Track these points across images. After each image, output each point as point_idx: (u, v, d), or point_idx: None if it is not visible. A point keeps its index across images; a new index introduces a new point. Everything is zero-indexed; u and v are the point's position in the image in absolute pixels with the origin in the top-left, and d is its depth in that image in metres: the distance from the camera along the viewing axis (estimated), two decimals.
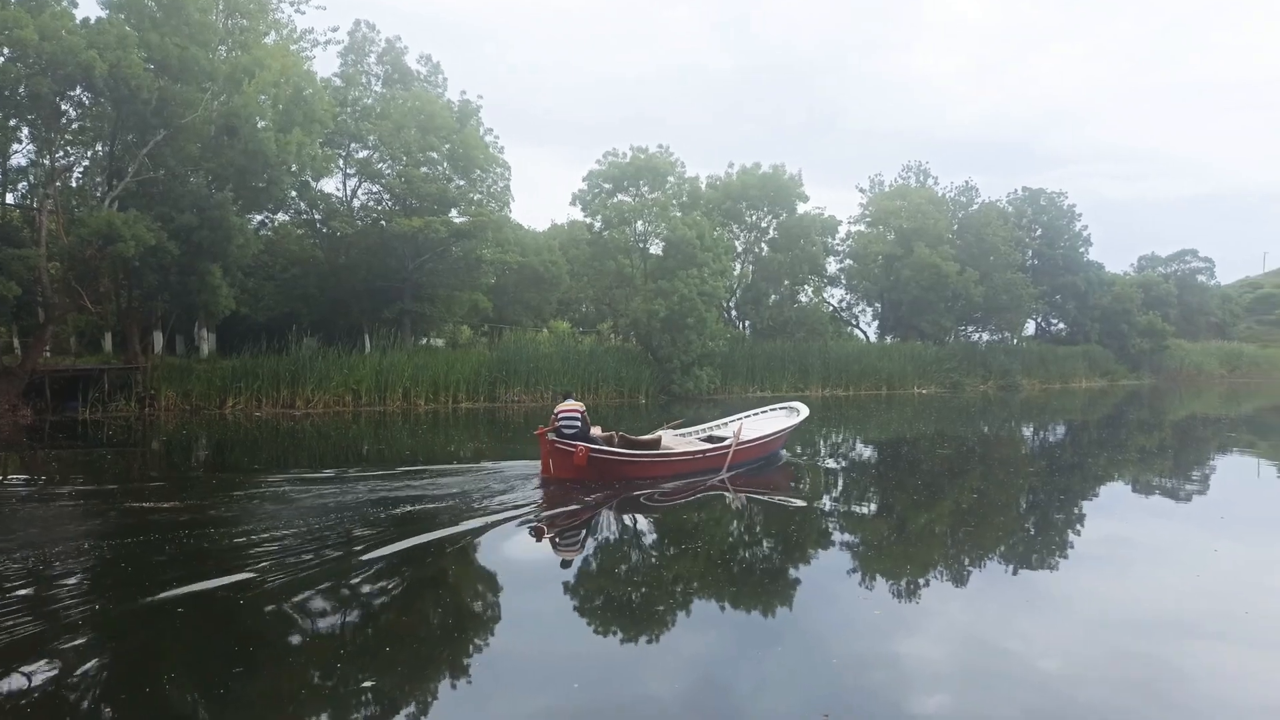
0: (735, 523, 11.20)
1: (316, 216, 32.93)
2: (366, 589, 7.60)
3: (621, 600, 7.77)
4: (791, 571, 8.87)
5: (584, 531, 10.05)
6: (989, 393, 43.74)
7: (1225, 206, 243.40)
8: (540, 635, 6.93)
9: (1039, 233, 57.84)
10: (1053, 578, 8.90)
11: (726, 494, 12.74)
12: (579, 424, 12.90)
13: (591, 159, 35.61)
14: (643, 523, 10.62)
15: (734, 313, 44.67)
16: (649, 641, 6.68)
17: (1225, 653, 6.64)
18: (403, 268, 31.07)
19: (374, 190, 33.07)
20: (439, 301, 33.55)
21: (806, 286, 46.13)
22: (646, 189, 34.25)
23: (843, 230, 47.69)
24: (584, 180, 34.61)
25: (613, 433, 13.85)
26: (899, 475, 16.10)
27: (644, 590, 8.07)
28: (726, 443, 14.27)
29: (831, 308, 49.98)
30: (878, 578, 8.66)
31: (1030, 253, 56.81)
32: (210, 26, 23.94)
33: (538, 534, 9.92)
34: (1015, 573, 9.11)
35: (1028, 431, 26.48)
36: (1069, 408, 36.54)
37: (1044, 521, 12.19)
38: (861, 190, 52.16)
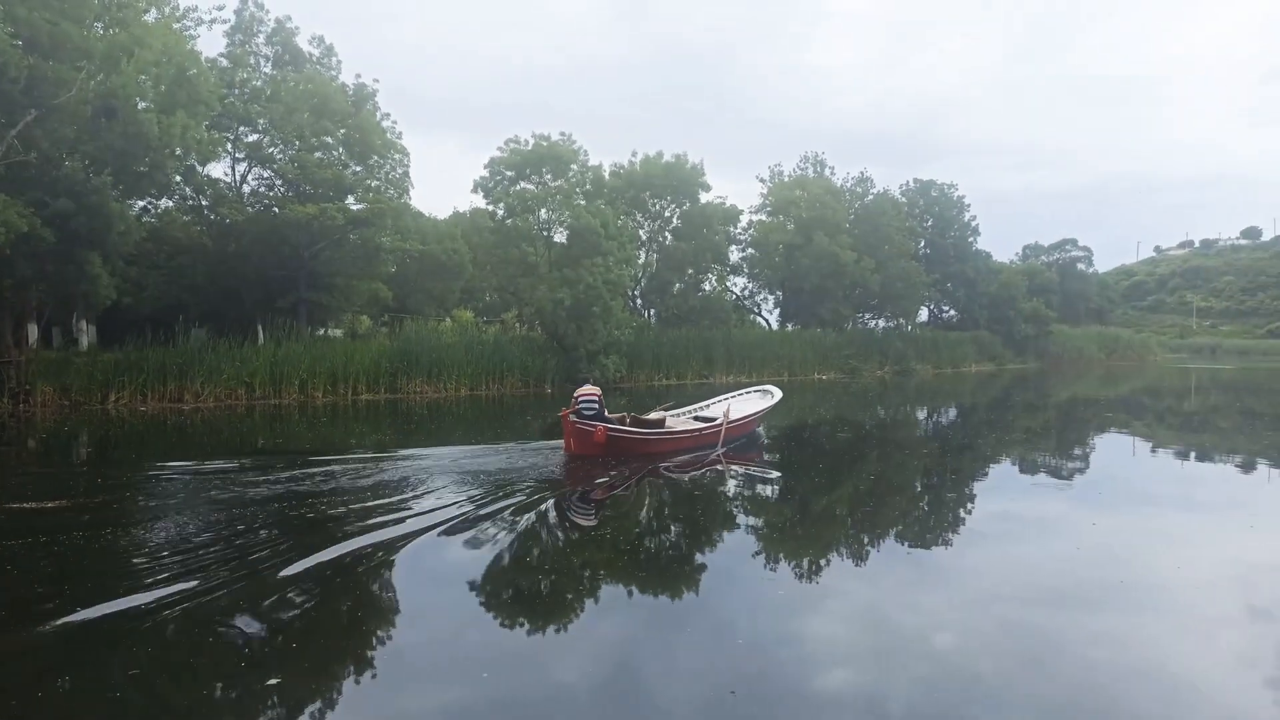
0: (645, 509, 11.24)
1: (204, 203, 31.53)
2: (271, 588, 7.33)
3: (530, 590, 7.71)
4: (698, 556, 8.97)
5: (502, 530, 9.93)
6: (885, 378, 45.08)
7: (1100, 197, 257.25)
8: (449, 628, 6.83)
9: (931, 223, 59.92)
10: (946, 554, 9.25)
11: (718, 467, 14.16)
12: (597, 406, 14.36)
13: (493, 146, 35.31)
14: (552, 515, 10.55)
15: (639, 301, 44.85)
16: (557, 630, 6.67)
17: (1103, 620, 7.00)
18: (297, 256, 30.07)
19: (265, 176, 31.88)
20: (336, 291, 32.61)
21: (710, 275, 46.67)
22: (549, 177, 33.97)
23: (744, 219, 48.42)
24: (486, 167, 34.14)
25: (624, 414, 15.76)
26: (801, 459, 16.45)
27: (552, 579, 8.04)
28: (718, 422, 15.84)
29: (735, 296, 50.67)
30: (781, 559, 8.84)
31: (923, 242, 58.79)
32: (85, 2, 22.56)
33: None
34: (911, 550, 9.43)
35: (922, 415, 27.41)
36: (960, 391, 37.99)
37: (937, 501, 12.66)
38: (762, 180, 52.91)
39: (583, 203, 34.02)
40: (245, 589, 7.21)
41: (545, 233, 34.65)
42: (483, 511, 10.16)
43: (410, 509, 10.24)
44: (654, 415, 16.19)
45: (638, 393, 31.80)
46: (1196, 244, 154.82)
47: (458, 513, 10.04)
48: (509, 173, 33.79)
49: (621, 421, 15.04)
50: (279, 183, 31.26)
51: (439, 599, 7.37)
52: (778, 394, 19.38)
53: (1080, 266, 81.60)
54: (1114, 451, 18.95)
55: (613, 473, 13.19)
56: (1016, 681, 5.81)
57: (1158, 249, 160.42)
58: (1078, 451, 18.62)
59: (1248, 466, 16.11)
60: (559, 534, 9.59)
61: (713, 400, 18.72)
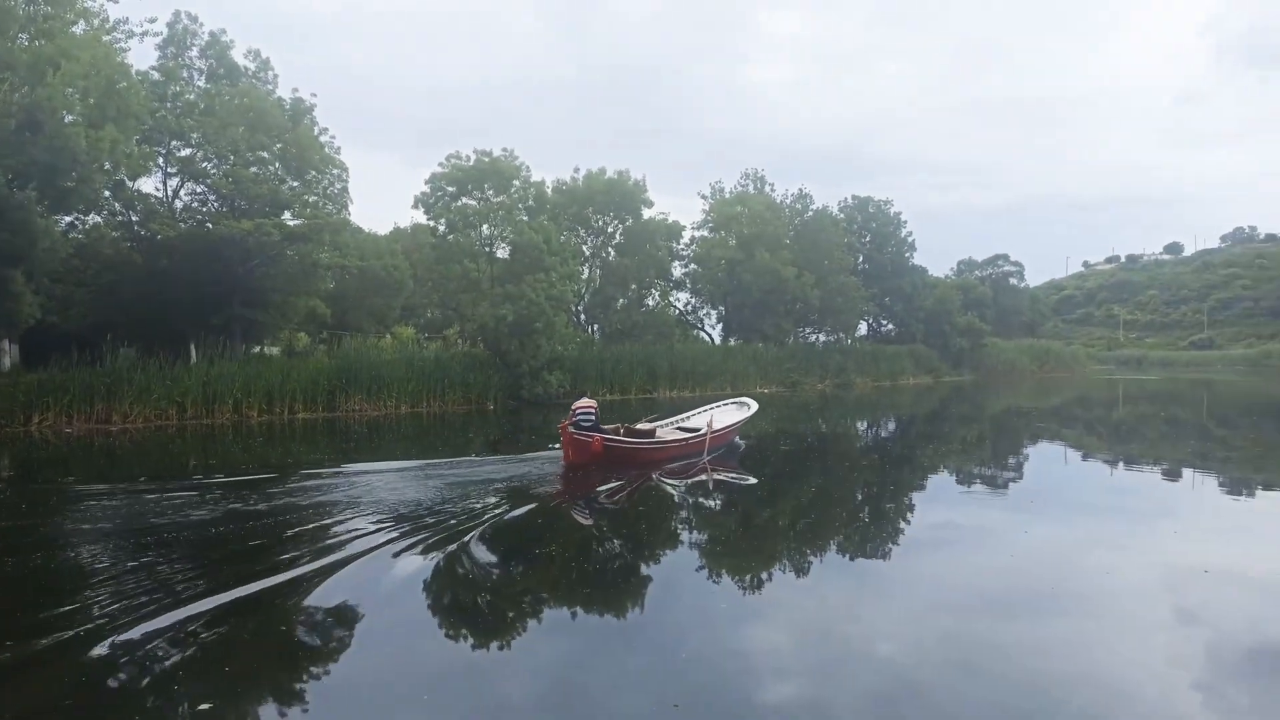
0: (588, 525, 11.20)
1: (134, 218, 30.63)
2: (201, 616, 7.12)
3: (473, 608, 7.64)
4: (642, 570, 8.97)
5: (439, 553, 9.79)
6: (826, 391, 45.70)
7: (1031, 214, 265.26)
8: (389, 649, 6.69)
9: (868, 239, 61.11)
10: (887, 564, 9.40)
11: (703, 475, 14.70)
12: (593, 418, 15.40)
13: (436, 162, 35.04)
14: (495, 533, 10.44)
15: (583, 317, 44.83)
16: (500, 648, 6.62)
17: (1040, 627, 7.19)
18: (231, 272, 29.39)
19: (198, 191, 31.11)
20: (273, 308, 31.95)
21: (653, 290, 46.94)
22: (492, 192, 33.81)
23: (687, 235, 48.89)
24: (427, 183, 33.85)
25: (618, 425, 16.60)
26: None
27: (496, 596, 7.96)
28: (703, 432, 16.72)
29: (678, 311, 50.96)
30: (724, 572, 8.89)
31: (861, 257, 59.91)
32: (8, 12, 21.83)
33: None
34: (853, 561, 9.55)
35: (862, 427, 27.82)
36: (898, 404, 38.66)
37: (878, 511, 12.85)
38: (704, 197, 53.41)
39: (525, 218, 33.93)
40: (174, 617, 6.99)
41: (487, 249, 34.45)
42: (424, 530, 10.02)
43: (350, 530, 10.05)
44: (644, 426, 16.92)
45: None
46: (1122, 259, 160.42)
47: (398, 532, 9.89)
48: (450, 188, 33.56)
49: (616, 432, 16.01)
50: (213, 198, 30.55)
51: (378, 620, 7.22)
52: (754, 405, 20.22)
53: (1012, 281, 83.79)
54: (1046, 461, 19.45)
55: (602, 485, 13.17)
56: (959, 690, 5.91)
57: (1086, 264, 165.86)
58: (1012, 461, 19.08)
59: (1172, 474, 16.68)
60: (502, 551, 9.48)
61: (694, 412, 19.57)
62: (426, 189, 33.78)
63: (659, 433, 17.11)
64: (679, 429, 18.08)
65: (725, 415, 18.94)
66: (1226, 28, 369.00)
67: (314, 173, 30.65)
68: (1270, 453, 20.58)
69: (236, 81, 30.63)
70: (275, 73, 31.89)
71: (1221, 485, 15.22)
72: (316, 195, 30.94)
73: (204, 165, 29.71)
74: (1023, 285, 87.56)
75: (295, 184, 30.37)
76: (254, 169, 28.90)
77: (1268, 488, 15.05)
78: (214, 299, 29.67)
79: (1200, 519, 12.21)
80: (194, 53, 30.70)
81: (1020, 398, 43.69)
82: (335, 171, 31.40)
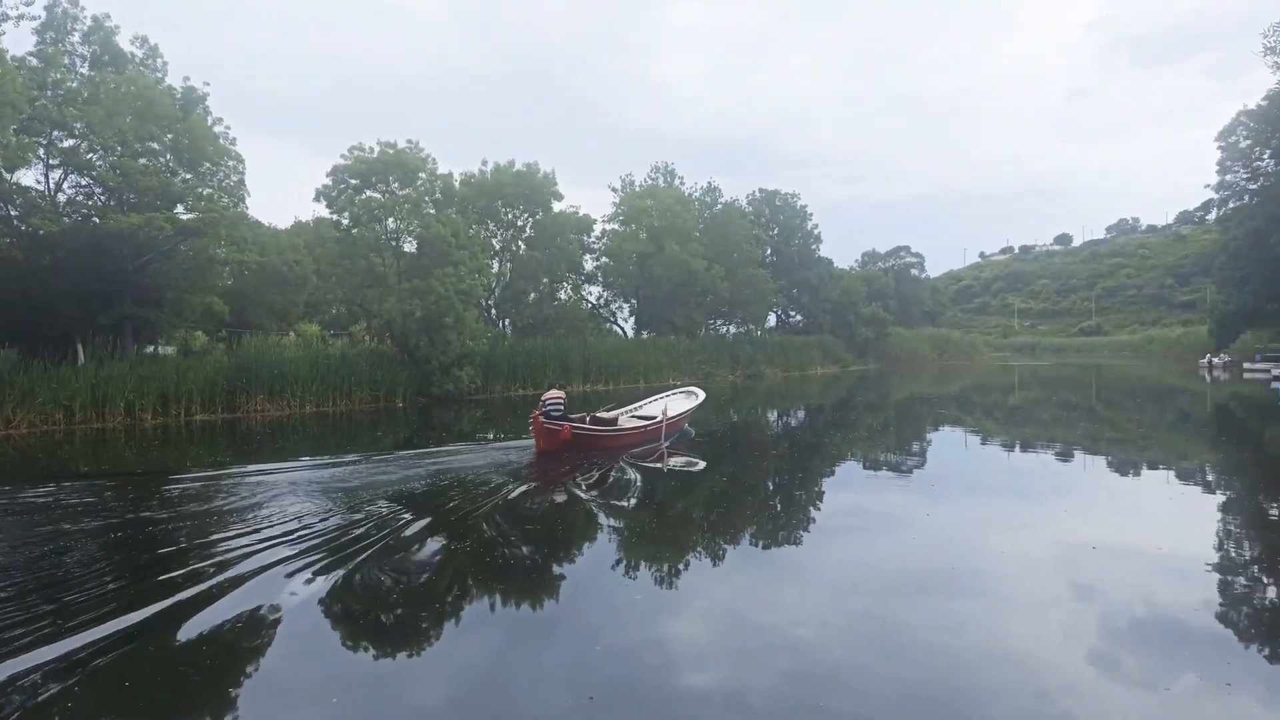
0: (502, 523, 11.06)
1: (13, 213, 28.90)
2: (94, 641, 6.75)
3: (385, 608, 7.44)
4: (556, 566, 8.91)
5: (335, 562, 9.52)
6: (737, 382, 46.33)
7: (931, 207, 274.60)
8: (297, 654, 6.48)
9: (776, 231, 62.20)
10: (799, 550, 9.58)
11: (661, 462, 15.90)
12: (562, 407, 16.42)
13: (337, 153, 34.06)
14: (410, 531, 10.20)
15: (494, 311, 44.36)
16: (413, 648, 6.49)
17: (940, 606, 7.41)
18: (121, 269, 28.00)
19: (83, 184, 29.48)
20: (166, 305, 30.54)
21: (565, 284, 46.81)
22: (397, 185, 33.06)
23: (598, 229, 48.86)
24: (329, 175, 32.84)
25: (584, 414, 17.69)
26: (636, 469, 16.58)
27: (409, 596, 7.77)
28: (658, 420, 17.89)
29: (590, 305, 50.93)
30: (639, 564, 8.90)
31: (769, 250, 60.92)
32: None
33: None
34: (766, 548, 9.71)
35: (772, 417, 28.28)
36: (807, 393, 39.46)
37: (789, 499, 13.09)
38: (614, 189, 53.49)
39: (432, 212, 33.28)
40: (62, 640, 6.62)
41: (394, 242, 33.71)
42: (334, 534, 9.74)
43: (253, 537, 9.70)
44: (606, 414, 18.27)
45: (494, 404, 31.40)
46: (1016, 250, 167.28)
47: (306, 536, 9.60)
48: (354, 181, 32.67)
49: (583, 420, 17.09)
50: (99, 191, 29.02)
51: (286, 627, 6.94)
52: (701, 395, 21.36)
53: (914, 272, 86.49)
54: (947, 445, 20.12)
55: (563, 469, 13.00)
56: (870, 669, 6.07)
57: (982, 255, 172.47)
58: (915, 447, 19.66)
59: (1065, 456, 17.44)
60: (416, 551, 9.27)
61: (646, 401, 20.88)
62: (329, 181, 32.81)
63: (620, 420, 18.34)
64: (634, 417, 19.05)
65: (677, 404, 20.11)
66: (1112, 26, 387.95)
67: (208, 164, 29.40)
68: (1152, 434, 21.74)
69: (123, 69, 29.17)
70: (164, 60, 30.51)
71: (1109, 465, 16.00)
72: (211, 188, 29.68)
73: (89, 156, 28.18)
74: (923, 276, 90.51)
75: (188, 176, 29.09)
76: (143, 160, 27.55)
77: (1151, 467, 15.89)
78: (102, 297, 28.23)
79: (1089, 498, 12.80)
80: (76, 38, 29.11)
81: (922, 385, 45.12)
82: (231, 163, 30.18)
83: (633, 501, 12.27)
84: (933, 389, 42.52)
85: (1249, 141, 51.94)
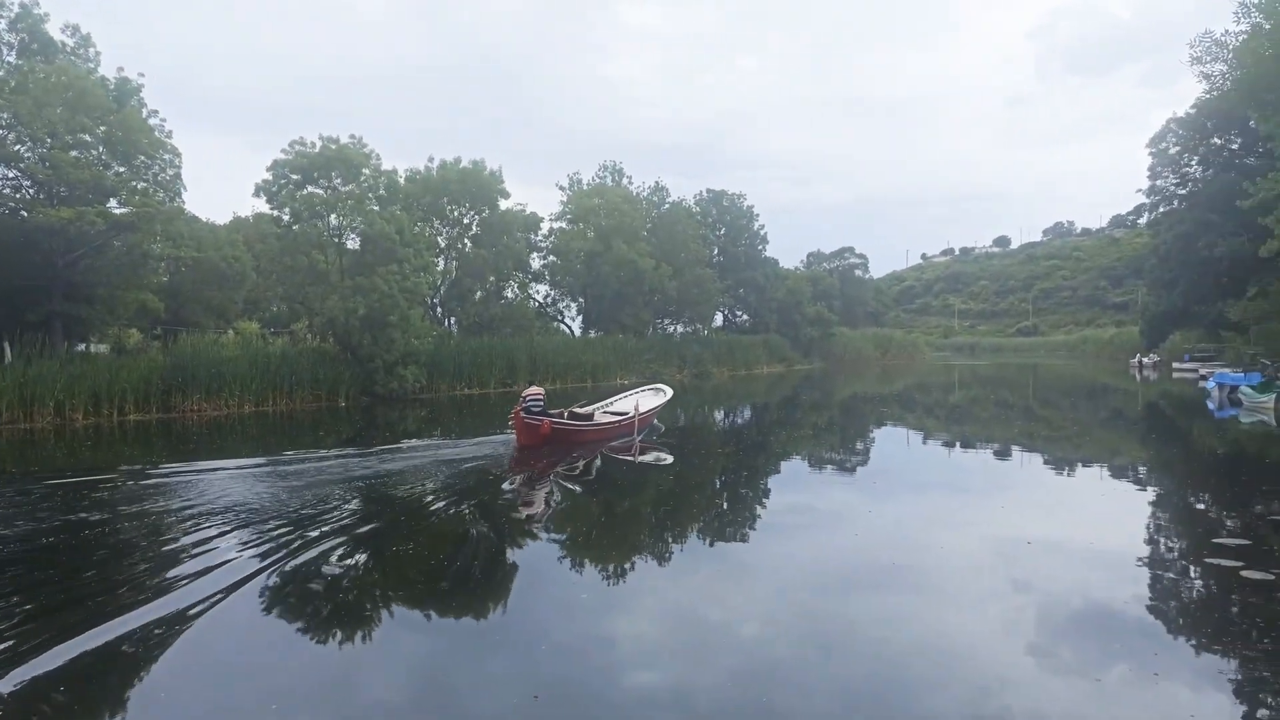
0: (447, 522, 10.93)
1: None
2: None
3: (326, 610, 7.27)
4: (502, 564, 8.83)
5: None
6: (684, 381, 46.46)
7: (874, 208, 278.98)
8: (239, 657, 6.30)
9: (723, 231, 62.64)
10: (745, 548, 9.63)
11: (634, 454, 16.57)
12: (541, 403, 16.98)
13: (279, 148, 33.27)
14: (340, 530, 10.02)
15: (439, 310, 43.89)
16: (354, 652, 6.36)
17: (883, 601, 7.52)
18: (50, 264, 27.06)
19: (10, 176, 28.40)
20: (99, 302, 29.62)
21: (512, 283, 46.46)
22: (339, 181, 32.46)
23: (545, 227, 48.65)
24: (269, 170, 32.11)
25: (562, 410, 18.28)
26: (603, 462, 16.56)
27: (351, 598, 7.61)
28: (630, 415, 18.64)
29: (537, 303, 50.71)
30: (586, 563, 8.87)
31: (716, 250, 61.32)
32: None
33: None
34: (712, 546, 9.73)
35: (719, 416, 28.44)
36: (753, 392, 39.78)
37: (735, 497, 13.17)
38: (561, 188, 53.38)
39: (376, 208, 32.75)
40: None
41: (336, 239, 33.07)
42: (275, 533, 9.53)
43: (193, 537, 9.46)
44: (583, 410, 18.84)
45: (439, 404, 31.06)
46: (957, 252, 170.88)
47: (246, 536, 9.38)
48: (295, 176, 31.98)
49: (562, 416, 17.79)
50: (27, 184, 28.00)
51: (224, 630, 6.76)
52: (669, 391, 22.39)
53: (858, 273, 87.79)
54: (889, 443, 20.44)
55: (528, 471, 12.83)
56: (815, 665, 6.12)
57: (924, 256, 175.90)
58: (859, 445, 19.94)
59: (1003, 453, 17.84)
60: (358, 552, 9.11)
61: (617, 397, 21.65)
62: (269, 176, 32.10)
63: (596, 416, 19.09)
64: (607, 413, 19.88)
65: (646, 400, 20.85)
66: (1050, 36, 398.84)
67: (143, 158, 28.57)
68: (1086, 431, 22.35)
69: (52, 59, 28.21)
70: (97, 50, 29.58)
71: (1045, 463, 16.41)
72: (146, 181, 28.85)
73: (16, 148, 27.18)
74: (867, 277, 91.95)
75: (121, 169, 28.25)
76: (74, 153, 26.67)
77: (1085, 464, 16.31)
78: (30, 293, 27.28)
79: (1026, 495, 13.11)
80: (2, 25, 28.08)
81: (866, 384, 45.80)
82: (167, 156, 29.37)
83: (581, 499, 12.24)
84: (876, 388, 43.18)
85: (1178, 148, 53.70)
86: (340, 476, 13.44)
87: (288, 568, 8.27)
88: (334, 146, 32.24)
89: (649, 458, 16.54)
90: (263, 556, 8.61)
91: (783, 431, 23.01)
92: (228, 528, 9.81)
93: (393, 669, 6.13)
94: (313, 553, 8.79)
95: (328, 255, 32.47)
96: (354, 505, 11.28)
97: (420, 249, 33.81)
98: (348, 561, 8.68)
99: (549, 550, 9.35)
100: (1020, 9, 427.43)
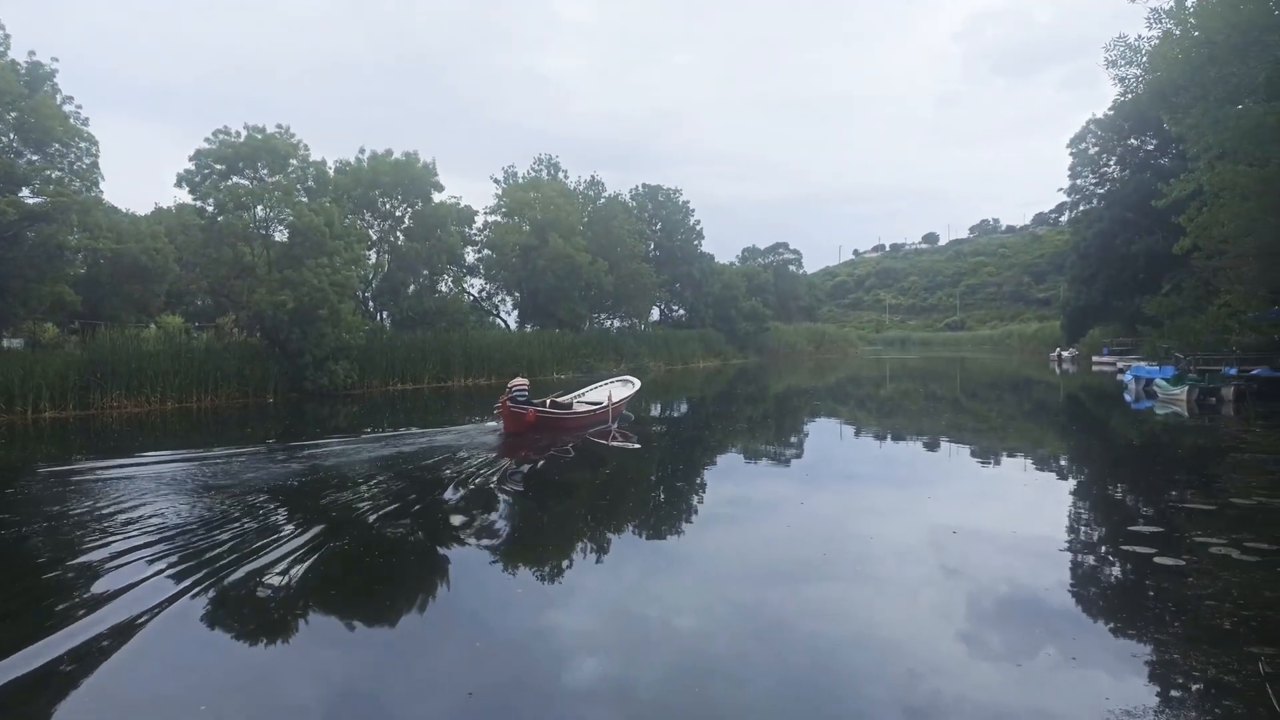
0: (379, 521, 10.75)
1: None
2: None
3: (252, 610, 7.08)
4: (436, 561, 8.71)
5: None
6: (621, 375, 46.47)
7: (808, 205, 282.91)
8: (165, 663, 6.06)
9: (659, 226, 62.81)
10: (681, 541, 9.66)
11: (614, 440, 17.95)
12: (527, 393, 18.38)
13: (203, 136, 32.20)
14: (269, 530, 9.78)
15: (371, 304, 43.13)
16: (288, 654, 6.22)
17: (815, 591, 7.64)
18: None
19: None
20: (11, 295, 28.35)
21: (446, 276, 45.89)
22: (266, 172, 31.62)
23: (480, 220, 48.11)
24: (192, 160, 31.14)
25: (544, 399, 19.83)
26: (540, 457, 16.47)
27: (281, 602, 7.41)
28: (605, 404, 20.01)
29: (472, 297, 50.20)
30: (522, 559, 8.82)
31: (653, 245, 61.45)
32: None
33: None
34: (649, 539, 9.75)
35: (655, 410, 28.51)
36: (690, 386, 40.00)
37: (671, 490, 13.21)
38: (496, 181, 52.92)
39: (305, 200, 32.03)
40: None
41: (263, 231, 32.23)
42: (202, 531, 9.26)
43: (115, 536, 9.13)
44: (563, 400, 20.67)
45: (372, 399, 30.55)
46: (888, 248, 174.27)
47: (170, 533, 9.09)
48: (219, 166, 31.05)
49: (544, 405, 19.04)
50: None
51: (152, 635, 6.51)
52: (638, 383, 23.57)
53: (792, 268, 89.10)
54: (822, 436, 20.73)
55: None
56: (750, 656, 6.17)
57: (856, 252, 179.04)
58: (792, 438, 20.19)
59: (931, 445, 18.25)
60: (292, 549, 8.88)
61: (589, 388, 23.25)
62: (191, 167, 31.13)
63: (574, 405, 20.61)
64: (583, 402, 21.30)
65: (618, 391, 22.00)
66: (976, 39, 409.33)
67: (57, 146, 27.44)
68: (1010, 423, 23.01)
69: None
70: (6, 33, 28.28)
71: (972, 454, 16.83)
72: (61, 170, 27.73)
73: None
74: (801, 272, 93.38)
75: (34, 158, 27.10)
76: None
77: (1010, 454, 16.80)
78: None
79: (953, 485, 13.42)
80: None
81: (800, 378, 46.42)
82: (83, 145, 28.25)
83: (518, 498, 12.15)
84: (809, 381, 43.81)
85: (1097, 149, 55.59)
86: (271, 473, 13.13)
87: (215, 565, 8.04)
88: (260, 136, 31.43)
89: (623, 443, 17.48)
90: (187, 553, 8.36)
91: (719, 425, 23.19)
92: (151, 533, 9.48)
93: (325, 671, 5.99)
94: (242, 550, 8.57)
95: (254, 248, 31.65)
96: (284, 505, 11.02)
97: (351, 242, 33.19)
98: (278, 564, 8.47)
99: (485, 548, 9.25)
100: (947, 11, 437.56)
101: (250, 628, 6.75)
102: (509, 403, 17.86)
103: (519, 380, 18.73)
